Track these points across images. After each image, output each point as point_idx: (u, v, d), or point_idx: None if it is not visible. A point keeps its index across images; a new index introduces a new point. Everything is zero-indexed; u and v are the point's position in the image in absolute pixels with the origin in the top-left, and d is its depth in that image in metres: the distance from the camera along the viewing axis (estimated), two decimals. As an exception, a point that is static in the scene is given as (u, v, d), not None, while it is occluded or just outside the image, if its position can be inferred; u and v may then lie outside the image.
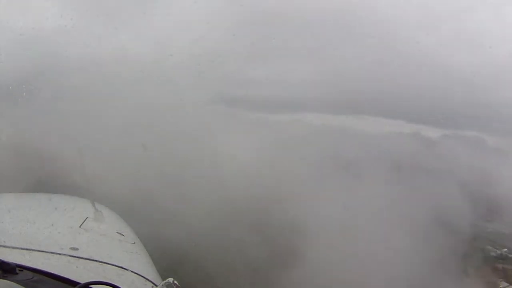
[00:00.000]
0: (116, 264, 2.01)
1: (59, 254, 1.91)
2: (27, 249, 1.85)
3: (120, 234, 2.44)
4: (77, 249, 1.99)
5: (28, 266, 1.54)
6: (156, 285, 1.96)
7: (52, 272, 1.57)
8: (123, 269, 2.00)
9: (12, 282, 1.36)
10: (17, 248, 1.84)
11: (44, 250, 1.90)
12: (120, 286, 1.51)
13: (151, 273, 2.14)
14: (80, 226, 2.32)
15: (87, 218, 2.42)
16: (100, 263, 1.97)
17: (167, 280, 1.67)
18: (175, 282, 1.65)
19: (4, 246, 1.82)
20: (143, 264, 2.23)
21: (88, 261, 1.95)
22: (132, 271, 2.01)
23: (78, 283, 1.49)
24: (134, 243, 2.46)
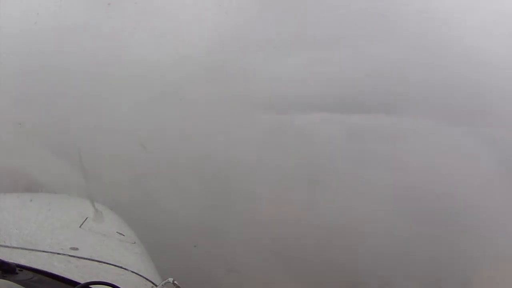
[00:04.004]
0: (116, 264, 2.01)
1: (59, 254, 1.92)
2: (27, 249, 1.85)
3: (120, 234, 2.45)
4: (77, 249, 1.99)
5: (28, 266, 1.53)
6: (156, 285, 1.97)
7: (52, 272, 1.56)
8: (123, 269, 2.00)
9: (12, 282, 1.36)
10: (17, 248, 1.85)
11: (44, 250, 1.90)
12: (120, 286, 1.51)
13: (151, 273, 2.14)
14: (80, 226, 2.33)
15: (87, 218, 2.43)
16: (100, 263, 1.97)
17: (167, 280, 1.67)
18: (175, 282, 1.65)
19: (4, 246, 1.82)
20: (143, 264, 2.23)
21: (88, 261, 1.95)
22: (132, 271, 2.01)
23: (78, 283, 1.48)
24: (134, 243, 2.47)
